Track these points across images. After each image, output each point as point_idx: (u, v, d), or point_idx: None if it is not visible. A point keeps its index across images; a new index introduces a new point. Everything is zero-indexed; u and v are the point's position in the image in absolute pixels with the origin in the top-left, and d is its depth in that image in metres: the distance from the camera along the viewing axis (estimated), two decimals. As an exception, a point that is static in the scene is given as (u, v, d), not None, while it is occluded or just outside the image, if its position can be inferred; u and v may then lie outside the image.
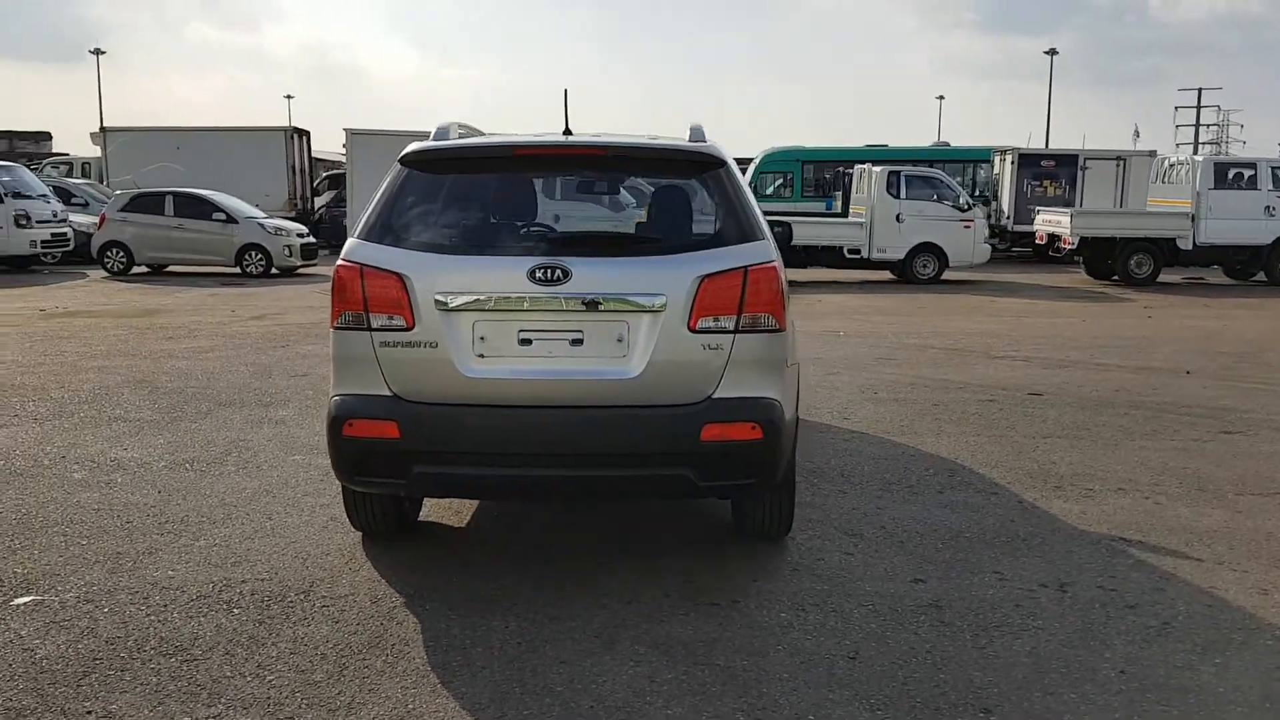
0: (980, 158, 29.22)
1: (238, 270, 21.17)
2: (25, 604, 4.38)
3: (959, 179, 25.68)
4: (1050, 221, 21.52)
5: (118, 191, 24.32)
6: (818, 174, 29.77)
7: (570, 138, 4.70)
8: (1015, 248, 26.85)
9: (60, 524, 5.36)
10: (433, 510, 5.53)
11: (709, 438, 4.26)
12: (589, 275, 4.24)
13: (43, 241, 22.17)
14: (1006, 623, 4.23)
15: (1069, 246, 20.41)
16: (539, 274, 4.21)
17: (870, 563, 4.88)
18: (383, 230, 4.42)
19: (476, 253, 4.36)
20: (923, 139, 39.57)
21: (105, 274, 21.22)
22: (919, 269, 20.45)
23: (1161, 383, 9.61)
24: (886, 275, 21.00)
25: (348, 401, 4.37)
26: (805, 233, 20.48)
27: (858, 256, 20.45)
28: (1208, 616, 4.33)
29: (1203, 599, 4.51)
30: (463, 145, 4.57)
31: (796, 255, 20.39)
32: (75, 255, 22.90)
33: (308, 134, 30.69)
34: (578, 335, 4.27)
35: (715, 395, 4.30)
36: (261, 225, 21.52)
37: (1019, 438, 7.35)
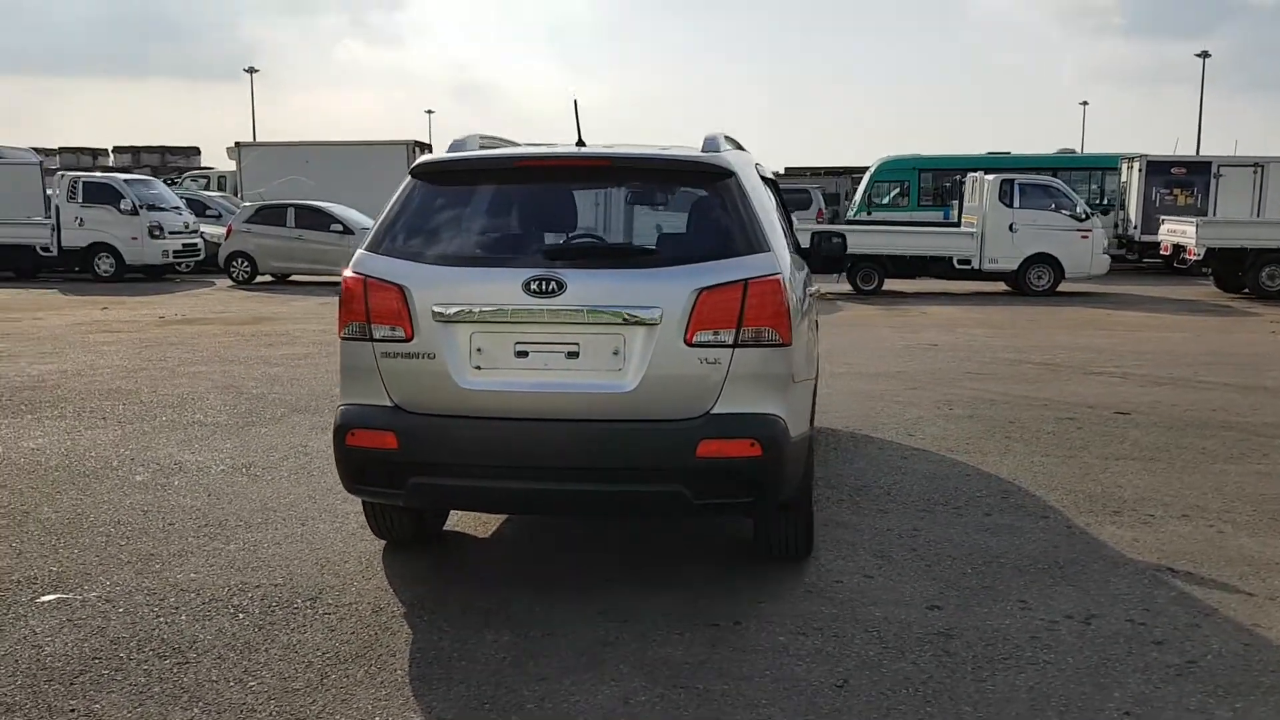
0: (1108, 165, 28.15)
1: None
2: (49, 601, 4.54)
3: (1084, 188, 24.80)
4: (1175, 232, 20.57)
5: (244, 204, 25.30)
6: (936, 182, 29.12)
7: (575, 149, 4.67)
8: (1145, 259, 25.74)
9: (107, 525, 5.56)
10: (460, 521, 5.56)
11: (705, 454, 4.16)
12: (584, 287, 4.19)
13: (174, 251, 23.24)
14: (1016, 655, 4.01)
15: (1194, 258, 19.45)
16: (534, 286, 4.18)
17: (890, 586, 4.70)
18: (389, 242, 4.46)
19: (474, 264, 4.35)
20: (1064, 147, 38.25)
21: (231, 283, 22.08)
22: (1033, 280, 19.77)
23: (1263, 403, 9.06)
24: (1000, 287, 20.37)
25: (351, 411, 4.41)
26: (913, 243, 20.07)
27: (968, 267, 19.89)
28: (1240, 656, 4.03)
29: (1240, 637, 4.20)
30: (468, 157, 4.58)
31: (906, 265, 19.98)
32: (207, 265, 23.92)
33: (429, 148, 31.41)
34: (574, 348, 4.22)
35: (714, 410, 4.20)
36: (376, 236, 22.06)
37: (1090, 459, 7.01)
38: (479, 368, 4.27)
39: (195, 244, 23.71)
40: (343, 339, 4.46)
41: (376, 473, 4.39)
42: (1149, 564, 5.01)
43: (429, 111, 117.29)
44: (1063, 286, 19.75)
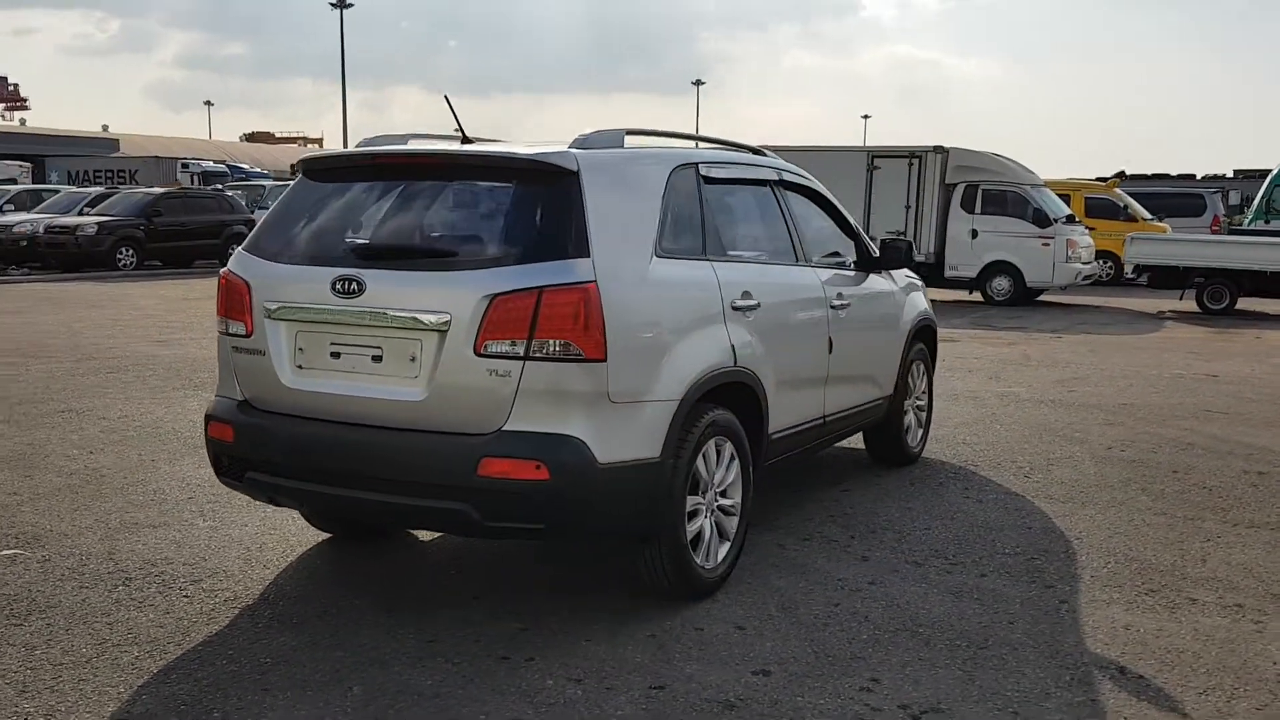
0: None
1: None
2: (3, 556, 5.05)
3: None
4: None
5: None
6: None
7: (412, 147, 4.48)
8: None
9: (126, 489, 6.06)
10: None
11: (487, 473, 3.86)
12: (381, 289, 4.03)
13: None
14: (774, 743, 3.37)
15: None
16: (339, 286, 4.08)
17: (743, 644, 4.11)
18: (255, 239, 4.53)
19: (298, 262, 4.30)
20: None
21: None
22: None
23: None
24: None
25: (214, 403, 4.54)
26: (1273, 256, 17.34)
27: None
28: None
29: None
30: (334, 154, 4.55)
31: (1268, 282, 17.36)
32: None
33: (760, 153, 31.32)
34: (378, 352, 4.07)
35: (505, 427, 3.89)
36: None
37: (1212, 524, 5.72)
38: (301, 367, 4.24)
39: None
40: (219, 334, 4.59)
41: (224, 464, 4.48)
42: (1108, 659, 4.01)
43: (865, 116, 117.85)
44: None
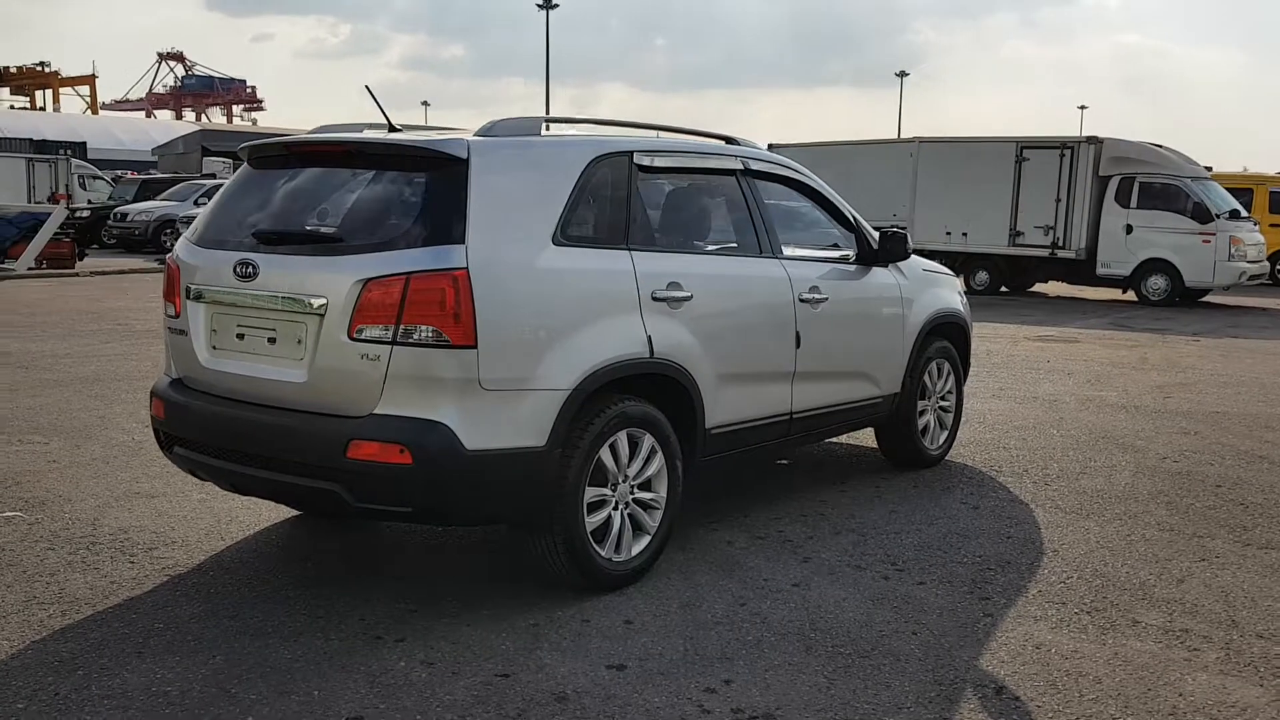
0: None
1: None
2: (6, 517, 5.46)
3: None
4: None
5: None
6: None
7: (319, 135, 4.57)
8: None
9: (149, 462, 6.42)
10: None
11: (356, 455, 3.94)
12: (273, 273, 4.17)
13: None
14: (580, 738, 3.32)
15: None
16: (238, 269, 4.24)
17: (622, 638, 4.05)
18: (195, 223, 4.74)
19: (212, 246, 4.47)
20: None
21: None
22: None
23: None
24: None
25: (157, 380, 4.79)
26: None
27: None
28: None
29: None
30: (262, 143, 4.67)
31: None
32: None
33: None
34: (273, 334, 4.21)
35: (376, 411, 3.96)
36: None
37: (1220, 543, 5.26)
38: (215, 348, 4.42)
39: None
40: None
41: (160, 438, 4.72)
42: (993, 676, 3.76)
43: (1082, 108, 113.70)
44: None
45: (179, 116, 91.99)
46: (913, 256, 6.70)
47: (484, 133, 4.34)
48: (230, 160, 43.41)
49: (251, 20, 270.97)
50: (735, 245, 5.24)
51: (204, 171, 36.85)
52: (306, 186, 4.42)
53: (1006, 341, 12.93)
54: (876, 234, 6.06)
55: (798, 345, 5.34)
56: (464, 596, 4.43)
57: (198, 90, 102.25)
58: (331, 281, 4.00)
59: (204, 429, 4.40)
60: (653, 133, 5.18)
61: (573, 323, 4.24)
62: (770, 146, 33.39)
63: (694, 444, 4.81)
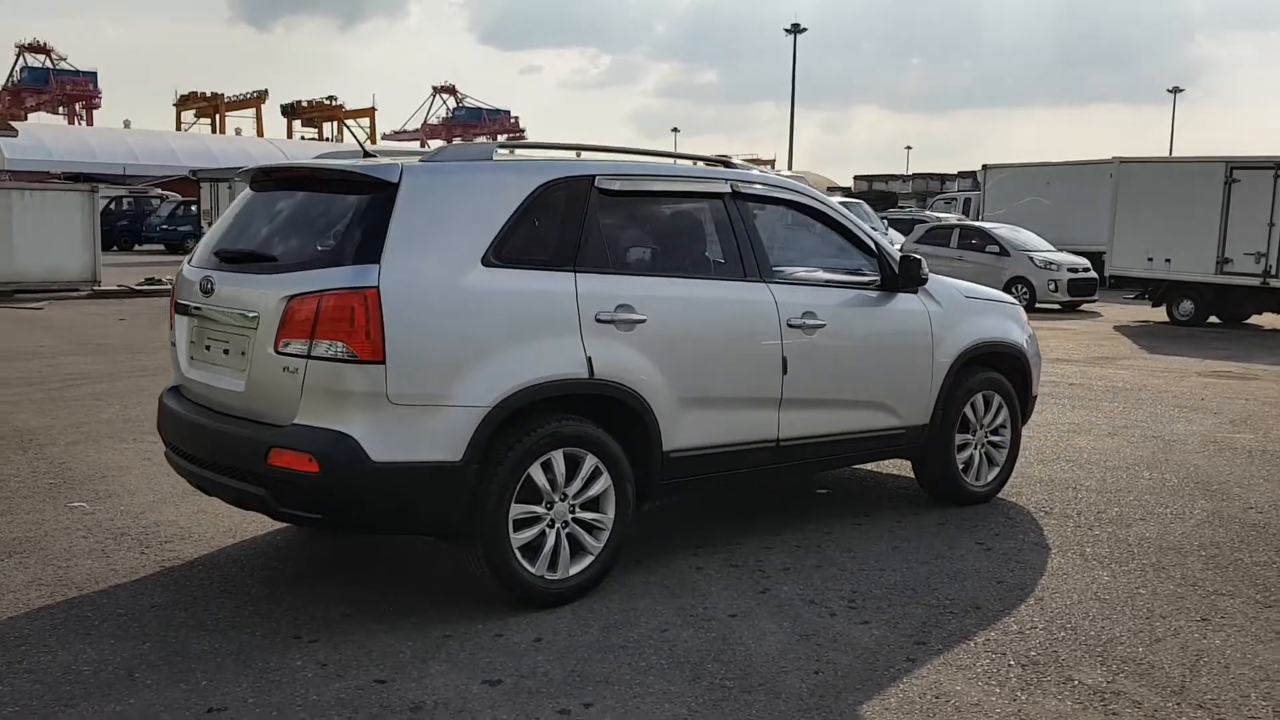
0: None
1: (1004, 303, 21.08)
2: (74, 506, 6.06)
3: None
4: None
5: (922, 224, 25.62)
6: None
7: (279, 163, 4.83)
8: None
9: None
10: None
11: (275, 462, 4.19)
12: (225, 289, 4.49)
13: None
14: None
15: None
16: (202, 285, 4.59)
17: (520, 654, 4.10)
18: (198, 245, 5.14)
19: (198, 265, 4.83)
20: None
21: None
22: None
23: None
24: None
25: (165, 389, 5.21)
26: None
27: None
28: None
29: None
30: (251, 169, 5.00)
31: None
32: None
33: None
34: (227, 346, 4.52)
35: (295, 420, 4.20)
36: (1031, 258, 21.05)
37: (1233, 603, 4.78)
38: (192, 358, 4.79)
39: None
40: None
41: (162, 441, 5.13)
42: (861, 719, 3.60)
43: None
44: None
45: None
46: (960, 282, 6.44)
47: (430, 158, 4.52)
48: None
49: (521, 54, 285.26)
50: (713, 269, 5.19)
51: None
52: (269, 208, 4.71)
53: (1172, 376, 12.02)
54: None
55: (785, 371, 5.23)
56: (403, 605, 4.59)
57: (466, 120, 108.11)
58: (264, 297, 4.27)
59: (179, 433, 4.77)
60: (630, 156, 5.22)
61: (496, 342, 4.34)
62: (984, 167, 32.34)
63: (650, 467, 4.80)
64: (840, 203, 26.80)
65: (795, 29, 52.16)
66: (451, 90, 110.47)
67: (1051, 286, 20.67)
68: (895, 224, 28.12)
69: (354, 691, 3.78)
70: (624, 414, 4.70)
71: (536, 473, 4.44)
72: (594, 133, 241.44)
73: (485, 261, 4.38)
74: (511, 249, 4.48)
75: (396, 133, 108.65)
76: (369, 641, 4.21)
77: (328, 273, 4.16)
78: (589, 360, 4.53)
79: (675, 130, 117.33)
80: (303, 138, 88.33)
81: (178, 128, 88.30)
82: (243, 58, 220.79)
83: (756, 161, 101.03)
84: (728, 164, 5.55)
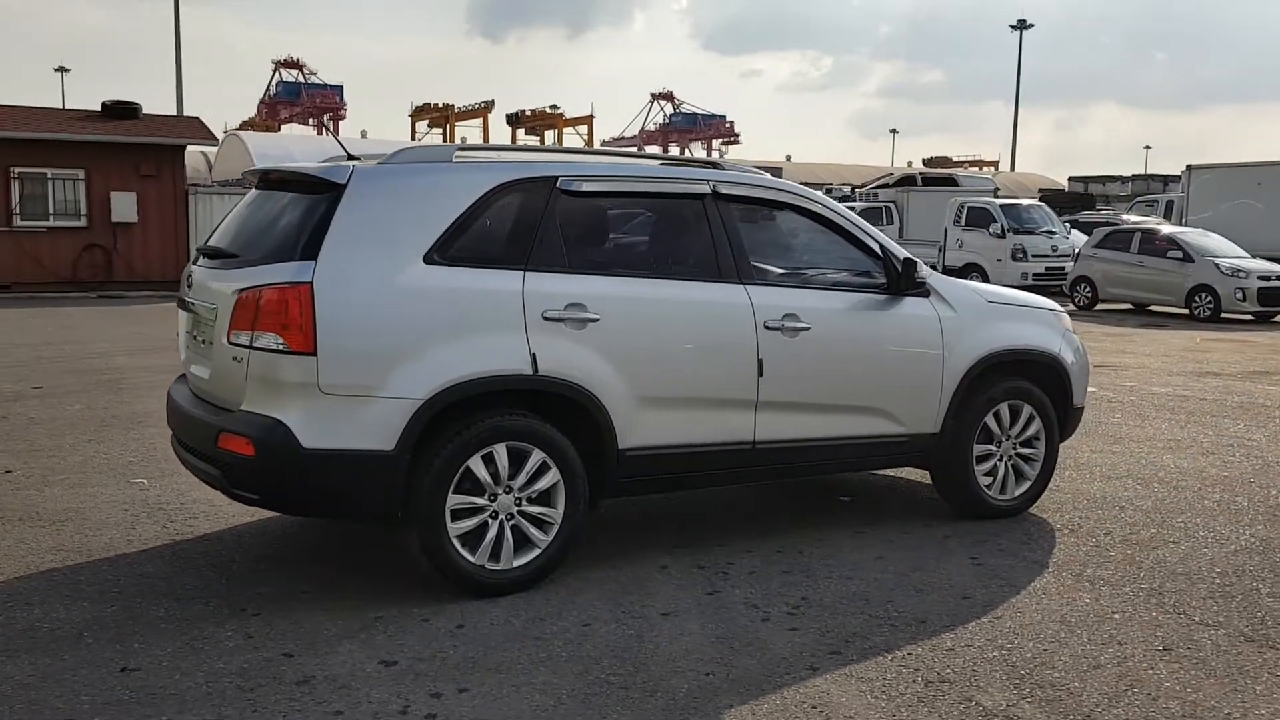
0: None
1: (1185, 312, 19.82)
2: (134, 483, 6.62)
3: None
4: None
5: (1100, 227, 24.24)
6: None
7: (268, 166, 5.09)
8: None
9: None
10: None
11: (223, 445, 4.49)
12: (199, 284, 4.85)
13: (1035, 274, 23.63)
14: None
15: None
16: (187, 280, 4.95)
17: (429, 641, 4.25)
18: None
19: (192, 261, 5.19)
20: None
21: (1073, 308, 21.77)
22: None
23: None
24: None
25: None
26: None
27: None
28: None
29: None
30: (252, 169, 5.34)
31: None
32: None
33: None
34: (206, 337, 4.86)
35: (242, 407, 4.49)
36: (1217, 265, 19.66)
37: (1213, 636, 4.44)
38: (187, 348, 5.17)
39: (1061, 268, 23.68)
40: None
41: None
42: (721, 727, 3.57)
43: None
44: None
45: (665, 151, 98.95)
46: (985, 286, 6.23)
47: (387, 160, 4.73)
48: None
49: (741, 58, 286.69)
50: (684, 269, 5.18)
51: None
52: (256, 208, 4.99)
53: (1328, 393, 11.04)
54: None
55: (761, 373, 5.17)
56: (359, 587, 4.82)
57: (682, 126, 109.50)
58: (221, 291, 4.59)
59: (173, 420, 5.15)
60: (608, 159, 5.28)
61: (433, 337, 4.50)
62: (1188, 168, 30.37)
63: (604, 464, 4.85)
64: (1029, 205, 25.84)
65: (1021, 25, 50.97)
66: (669, 96, 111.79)
67: (1238, 295, 19.23)
68: (1084, 227, 26.75)
69: (260, 663, 4.01)
70: (575, 410, 4.77)
71: (477, 465, 4.58)
72: (811, 134, 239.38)
73: (428, 259, 4.54)
74: (458, 248, 4.63)
75: (615, 139, 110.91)
76: (305, 619, 4.44)
77: (270, 268, 4.43)
78: (533, 357, 4.63)
79: (894, 132, 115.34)
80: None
81: (412, 137, 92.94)
82: (475, 69, 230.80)
83: (979, 163, 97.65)
84: (716, 166, 5.53)
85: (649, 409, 4.92)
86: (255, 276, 4.45)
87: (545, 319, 4.68)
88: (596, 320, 4.77)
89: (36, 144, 22.12)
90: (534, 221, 4.81)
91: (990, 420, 5.93)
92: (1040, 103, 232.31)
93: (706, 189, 5.26)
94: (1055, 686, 3.89)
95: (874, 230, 5.74)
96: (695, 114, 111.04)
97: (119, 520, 5.79)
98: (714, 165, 5.55)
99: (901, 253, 5.67)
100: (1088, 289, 21.87)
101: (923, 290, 5.69)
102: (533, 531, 4.74)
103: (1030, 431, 6.09)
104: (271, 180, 5.04)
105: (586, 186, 4.98)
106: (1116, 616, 4.59)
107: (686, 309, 5.08)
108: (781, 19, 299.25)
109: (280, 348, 4.34)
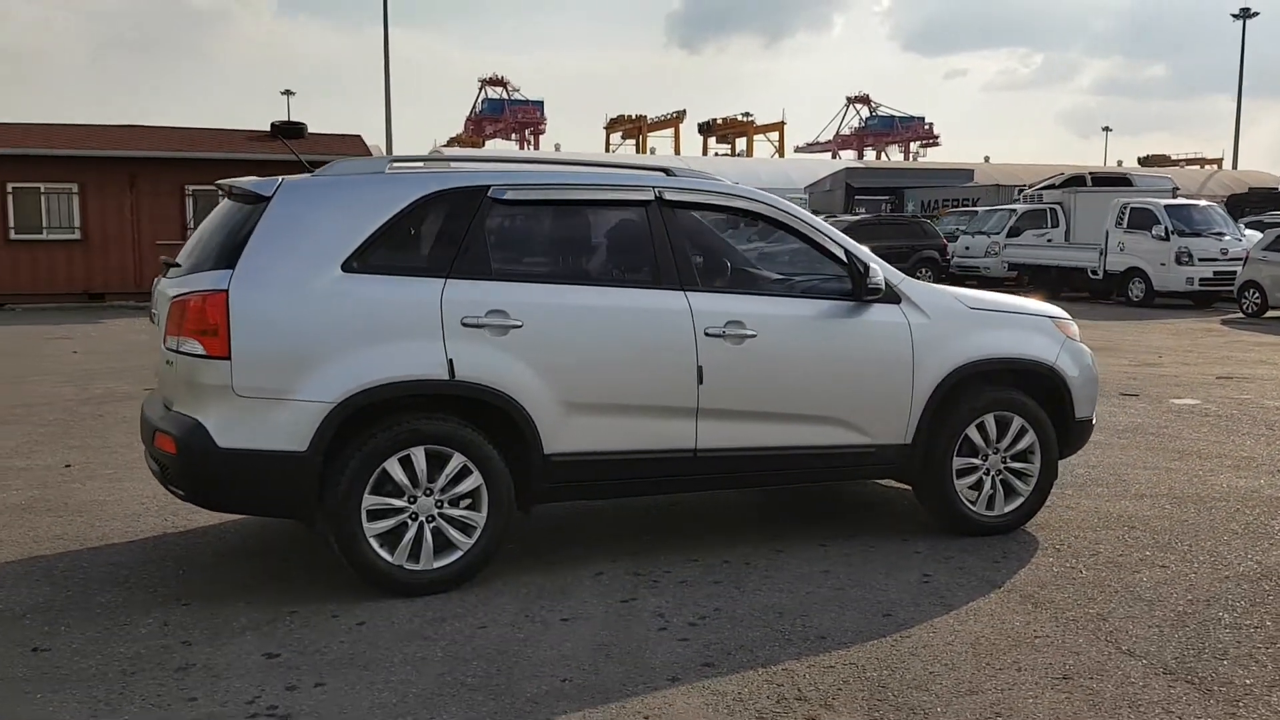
0: None
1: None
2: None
3: None
4: None
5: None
6: None
7: (226, 179, 5.32)
8: None
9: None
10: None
11: (156, 444, 4.79)
12: (158, 294, 5.16)
13: (1201, 279, 22.26)
14: None
15: None
16: (150, 291, 5.29)
17: (324, 633, 4.41)
18: None
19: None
20: None
21: (1240, 314, 20.41)
22: None
23: None
24: None
25: None
26: None
27: None
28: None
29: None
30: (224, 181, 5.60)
31: None
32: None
33: None
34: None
35: (173, 408, 4.77)
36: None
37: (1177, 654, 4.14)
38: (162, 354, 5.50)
39: (1231, 272, 22.16)
40: None
41: None
42: (540, 733, 3.58)
43: None
44: None
45: (860, 156, 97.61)
46: (969, 292, 5.99)
47: (319, 172, 4.93)
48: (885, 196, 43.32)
49: (944, 59, 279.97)
50: (619, 276, 5.18)
51: (854, 209, 37.92)
52: (209, 220, 5.28)
53: None
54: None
55: (700, 381, 5.12)
56: (297, 582, 5.03)
57: (878, 130, 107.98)
58: (163, 299, 4.88)
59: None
60: (547, 166, 5.33)
61: (347, 342, 4.66)
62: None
63: (529, 469, 4.91)
64: (1199, 205, 24.21)
65: (1244, 14, 48.37)
66: (865, 100, 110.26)
67: None
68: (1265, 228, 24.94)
69: (156, 650, 4.26)
70: (496, 415, 4.85)
71: (394, 467, 4.72)
72: (1016, 133, 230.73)
73: (346, 267, 4.71)
74: (378, 256, 4.78)
75: (809, 145, 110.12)
76: (226, 610, 4.68)
77: (195, 277, 4.70)
78: (450, 362, 4.73)
79: (1107, 129, 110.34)
80: (715, 154, 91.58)
81: (606, 149, 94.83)
82: (671, 80, 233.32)
83: (1201, 161, 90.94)
84: (668, 173, 5.50)
85: (577, 414, 4.95)
86: (185, 285, 4.72)
87: (465, 325, 4.78)
88: (519, 326, 4.84)
89: (208, 163, 23.66)
90: (460, 230, 4.91)
91: (973, 432, 5.68)
92: (1274, 96, 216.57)
93: (650, 196, 5.25)
94: (913, 711, 3.72)
95: (840, 236, 5.59)
96: (893, 116, 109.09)
97: (128, 514, 6.20)
98: (665, 171, 5.51)
99: (867, 258, 5.49)
100: (1256, 295, 20.37)
101: (891, 296, 5.51)
102: (454, 534, 4.84)
103: (1022, 445, 5.79)
104: (229, 193, 5.32)
105: (519, 195, 5.05)
106: (1035, 642, 4.33)
107: (616, 315, 5.07)
108: (987, 17, 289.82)
109: (200, 353, 4.59)
